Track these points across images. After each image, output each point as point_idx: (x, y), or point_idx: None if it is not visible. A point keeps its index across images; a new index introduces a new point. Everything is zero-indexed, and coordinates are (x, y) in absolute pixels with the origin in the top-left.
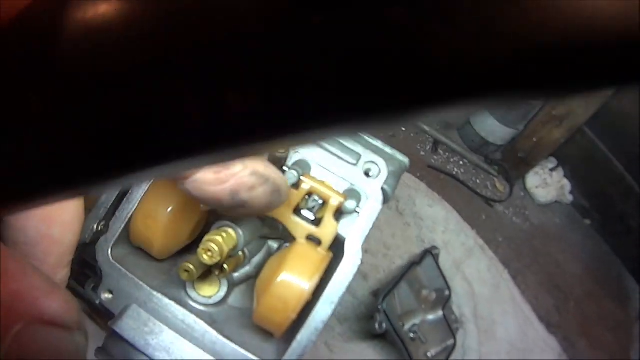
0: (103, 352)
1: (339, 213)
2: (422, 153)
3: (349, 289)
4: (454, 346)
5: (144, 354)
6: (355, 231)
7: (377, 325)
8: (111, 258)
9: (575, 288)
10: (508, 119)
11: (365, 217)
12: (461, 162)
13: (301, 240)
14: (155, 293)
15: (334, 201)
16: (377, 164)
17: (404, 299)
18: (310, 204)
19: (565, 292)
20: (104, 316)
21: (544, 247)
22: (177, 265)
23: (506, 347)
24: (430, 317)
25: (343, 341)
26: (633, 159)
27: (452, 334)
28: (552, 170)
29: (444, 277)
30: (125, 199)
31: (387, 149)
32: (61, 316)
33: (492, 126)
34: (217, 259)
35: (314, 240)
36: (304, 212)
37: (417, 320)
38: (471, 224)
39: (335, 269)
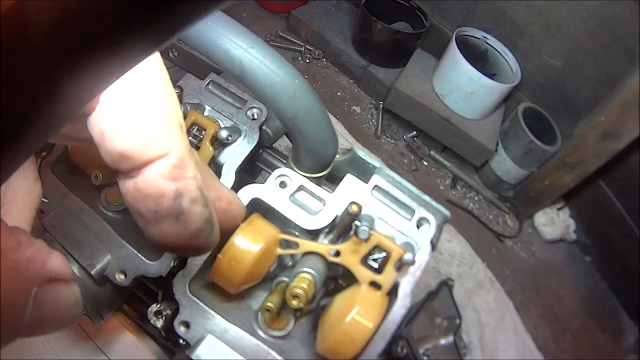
0: None
1: (398, 263)
2: (442, 187)
3: None
4: None
5: None
6: (407, 279)
7: (399, 349)
8: (189, 292)
9: (572, 320)
10: (524, 161)
11: (417, 266)
12: (476, 198)
13: (364, 285)
14: (231, 325)
15: (396, 254)
16: (428, 220)
17: (420, 325)
18: (375, 255)
19: (563, 324)
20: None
21: (546, 281)
22: (244, 299)
23: None
24: (442, 342)
25: None
26: (634, 203)
27: (461, 359)
28: (559, 209)
29: (456, 306)
30: None
31: (434, 203)
32: (62, 272)
33: (508, 167)
34: (302, 303)
35: (375, 285)
36: (369, 261)
37: (430, 345)
38: (482, 257)
39: (389, 309)
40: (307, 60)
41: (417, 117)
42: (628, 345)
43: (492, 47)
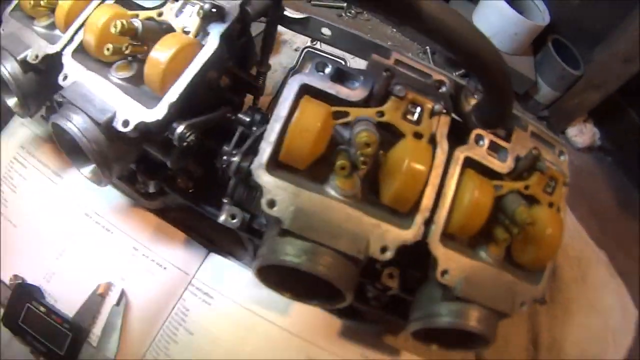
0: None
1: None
2: None
3: None
4: None
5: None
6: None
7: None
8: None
9: (609, 213)
10: (557, 86)
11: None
12: None
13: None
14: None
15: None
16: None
17: None
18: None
19: (603, 217)
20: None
21: (583, 182)
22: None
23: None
24: None
25: None
26: None
27: None
28: (584, 122)
29: None
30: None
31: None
32: None
33: (544, 91)
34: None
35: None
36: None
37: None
38: None
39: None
40: (350, 15)
41: None
42: None
43: None
